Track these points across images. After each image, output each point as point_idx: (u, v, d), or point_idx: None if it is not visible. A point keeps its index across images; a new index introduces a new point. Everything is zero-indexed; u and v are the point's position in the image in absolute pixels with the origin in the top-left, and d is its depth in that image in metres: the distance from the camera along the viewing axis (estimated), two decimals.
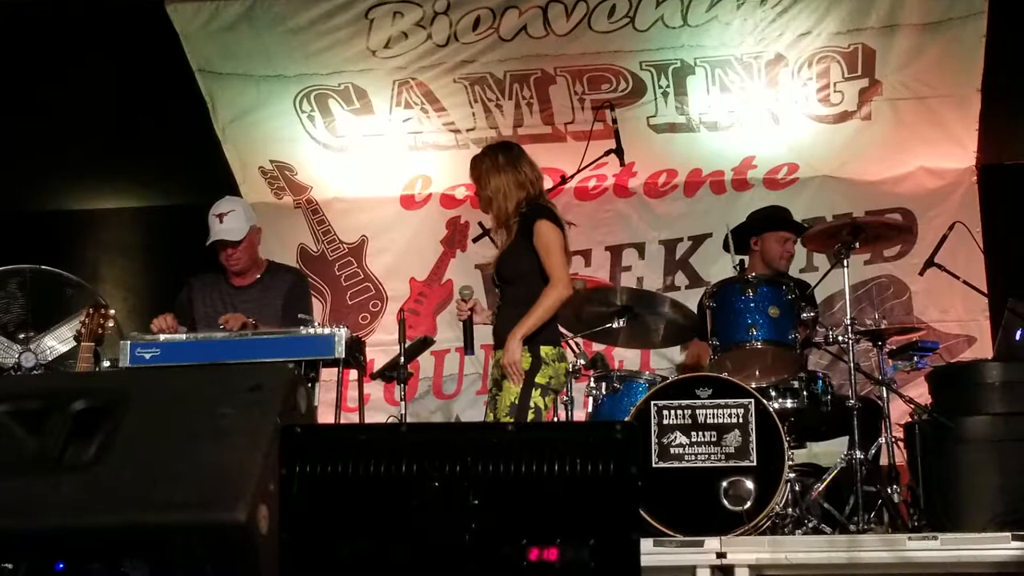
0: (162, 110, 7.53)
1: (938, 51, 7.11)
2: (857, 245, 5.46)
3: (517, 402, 4.90)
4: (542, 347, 5.02)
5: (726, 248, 5.85)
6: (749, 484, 4.83)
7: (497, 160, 5.18)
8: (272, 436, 2.81)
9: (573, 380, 5.49)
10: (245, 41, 7.44)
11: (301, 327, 5.16)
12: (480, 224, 6.19)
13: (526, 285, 5.10)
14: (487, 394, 5.39)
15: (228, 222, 5.59)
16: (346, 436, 2.81)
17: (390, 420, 6.15)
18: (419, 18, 7.33)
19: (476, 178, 5.25)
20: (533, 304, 5.02)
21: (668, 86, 7.44)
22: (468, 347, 5.30)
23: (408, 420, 6.11)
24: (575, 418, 5.73)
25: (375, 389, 7.06)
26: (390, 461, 2.59)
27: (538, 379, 4.97)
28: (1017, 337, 5.34)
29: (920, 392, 5.63)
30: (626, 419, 5.09)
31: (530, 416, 4.88)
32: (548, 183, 6.54)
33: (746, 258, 6.18)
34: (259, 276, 5.74)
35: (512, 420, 4.82)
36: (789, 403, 5.43)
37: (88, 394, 3.05)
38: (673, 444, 4.94)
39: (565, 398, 5.52)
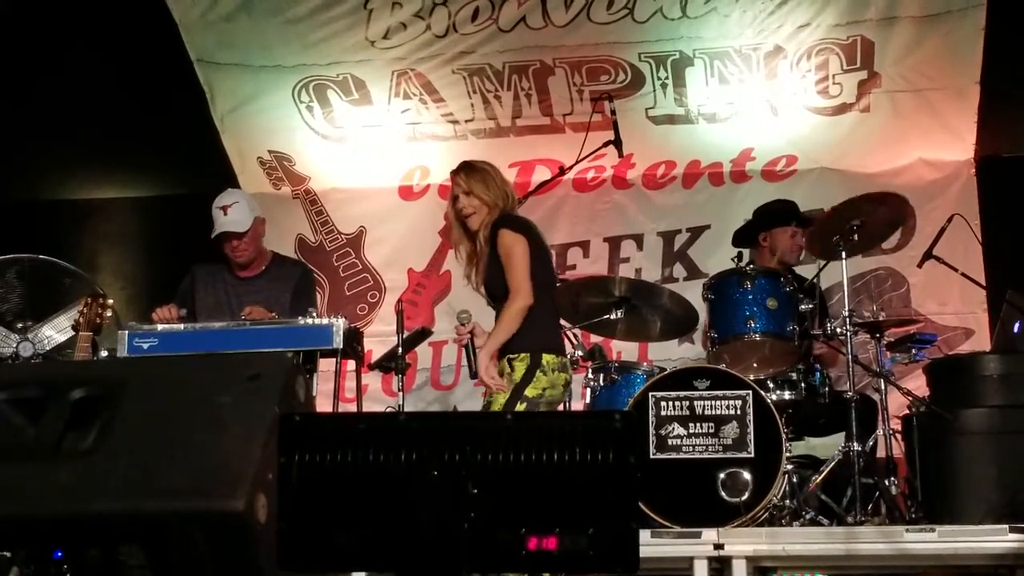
0: (160, 100, 7.51)
1: (937, 43, 7.11)
2: (855, 238, 5.46)
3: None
4: (545, 355, 4.87)
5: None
6: (747, 475, 4.83)
7: (496, 177, 5.12)
8: (270, 425, 2.81)
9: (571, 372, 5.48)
10: (244, 31, 7.42)
11: (299, 318, 5.16)
12: None
13: None
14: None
15: (232, 213, 5.59)
16: (345, 425, 2.80)
17: (388, 410, 6.15)
18: (418, 9, 7.32)
19: (468, 185, 5.09)
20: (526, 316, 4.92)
21: (667, 77, 7.43)
22: (472, 371, 5.08)
23: (406, 410, 6.11)
24: (573, 409, 5.73)
25: (373, 380, 7.06)
26: (388, 450, 2.59)
27: (528, 391, 4.80)
28: (1015, 330, 5.34)
29: (918, 384, 5.64)
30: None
31: None
32: (547, 174, 6.58)
33: (745, 251, 6.17)
34: (264, 268, 5.74)
35: None
36: (787, 395, 5.44)
37: (86, 382, 3.05)
38: (671, 435, 4.95)
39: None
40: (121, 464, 2.86)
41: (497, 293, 5.02)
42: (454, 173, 5.21)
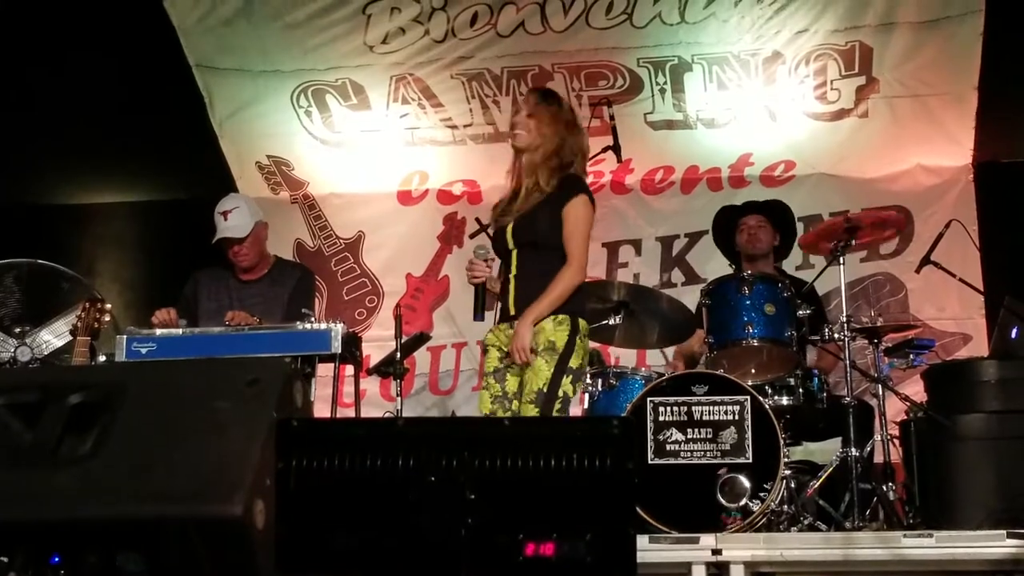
0: (159, 105, 7.51)
1: (935, 49, 7.11)
2: (853, 243, 5.48)
3: (546, 389, 4.55)
4: (581, 320, 4.67)
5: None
6: (745, 481, 4.83)
7: (575, 120, 4.90)
8: (268, 430, 2.81)
9: None
10: (242, 36, 7.42)
11: (298, 322, 5.16)
12: (477, 220, 6.18)
13: (559, 256, 4.70)
14: (486, 378, 4.83)
15: (233, 219, 5.63)
16: (343, 430, 2.81)
17: (386, 415, 6.15)
18: (416, 14, 7.32)
19: (541, 114, 4.80)
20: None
21: (665, 83, 7.43)
22: (479, 312, 4.84)
23: (404, 415, 6.11)
24: (571, 414, 5.73)
25: (371, 385, 7.06)
26: (387, 455, 2.59)
27: (571, 362, 4.61)
28: (1013, 335, 5.34)
29: (916, 390, 5.64)
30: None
31: (557, 407, 4.56)
32: None
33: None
34: (266, 271, 5.77)
35: (537, 407, 4.53)
36: (785, 400, 5.44)
37: (84, 387, 3.05)
38: (669, 441, 4.94)
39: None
40: (119, 469, 2.86)
41: (545, 242, 4.71)
42: (531, 91, 5.10)
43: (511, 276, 4.79)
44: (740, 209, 6.34)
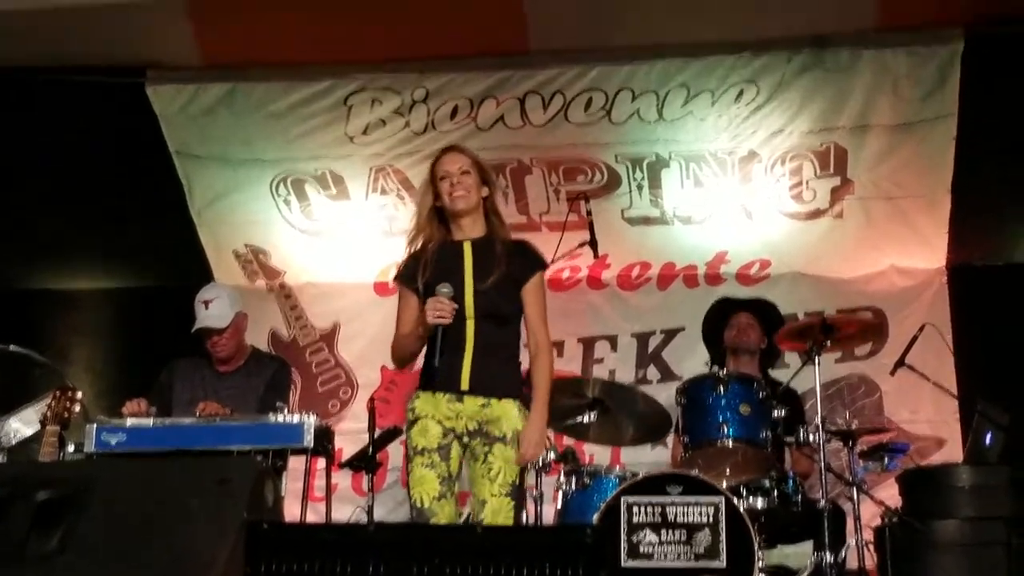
0: (138, 191, 7.51)
1: (909, 151, 7.18)
2: (828, 344, 5.50)
3: (518, 482, 4.47)
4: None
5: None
6: None
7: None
8: (238, 531, 2.77)
9: (544, 474, 5.43)
10: (224, 125, 7.43)
11: (270, 414, 5.12)
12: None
13: (516, 330, 4.60)
14: (429, 455, 4.60)
15: (213, 308, 5.61)
16: (313, 535, 2.77)
17: (357, 511, 6.09)
18: (397, 106, 7.37)
19: (474, 168, 4.73)
20: (514, 356, 4.57)
21: (643, 179, 7.48)
22: (440, 356, 4.38)
23: (376, 510, 6.05)
24: (544, 513, 5.68)
25: (343, 478, 6.97)
26: (357, 562, 2.56)
27: None
28: (987, 441, 5.34)
29: (891, 493, 5.62)
30: (596, 515, 5.04)
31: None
32: None
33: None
34: (243, 363, 5.74)
35: (513, 500, 4.45)
36: (759, 502, 5.40)
37: (52, 483, 3.01)
38: (643, 542, 4.90)
39: (535, 493, 5.46)
40: (85, 568, 2.82)
41: (507, 314, 4.55)
42: (453, 149, 4.87)
43: (465, 347, 4.49)
44: (733, 305, 6.35)
